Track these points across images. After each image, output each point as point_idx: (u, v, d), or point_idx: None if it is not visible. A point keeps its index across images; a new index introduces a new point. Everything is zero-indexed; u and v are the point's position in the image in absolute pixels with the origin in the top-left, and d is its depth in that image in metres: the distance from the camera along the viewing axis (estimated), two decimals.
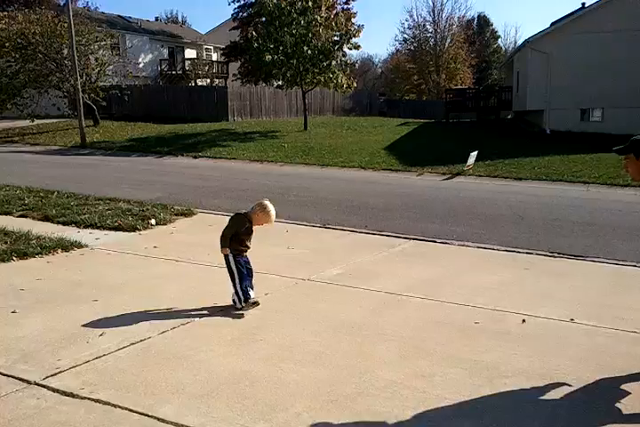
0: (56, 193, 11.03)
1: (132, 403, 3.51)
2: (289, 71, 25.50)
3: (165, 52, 43.54)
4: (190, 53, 45.50)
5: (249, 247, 5.27)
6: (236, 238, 5.14)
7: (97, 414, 3.39)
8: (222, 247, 5.12)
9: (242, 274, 5.14)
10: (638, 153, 3.78)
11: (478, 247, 7.96)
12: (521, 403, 3.65)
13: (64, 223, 8.65)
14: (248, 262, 5.27)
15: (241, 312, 5.10)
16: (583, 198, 12.74)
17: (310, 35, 24.66)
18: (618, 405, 3.63)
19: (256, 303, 5.12)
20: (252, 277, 5.27)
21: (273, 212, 5.17)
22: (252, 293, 5.17)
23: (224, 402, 3.55)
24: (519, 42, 48.57)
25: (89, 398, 3.56)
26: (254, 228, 5.25)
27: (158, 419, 3.35)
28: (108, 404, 3.50)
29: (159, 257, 6.96)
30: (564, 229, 9.30)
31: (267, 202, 5.22)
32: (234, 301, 5.16)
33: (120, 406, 3.47)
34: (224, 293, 5.52)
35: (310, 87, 27.28)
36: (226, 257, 5.17)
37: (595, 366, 4.15)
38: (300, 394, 3.67)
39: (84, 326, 4.73)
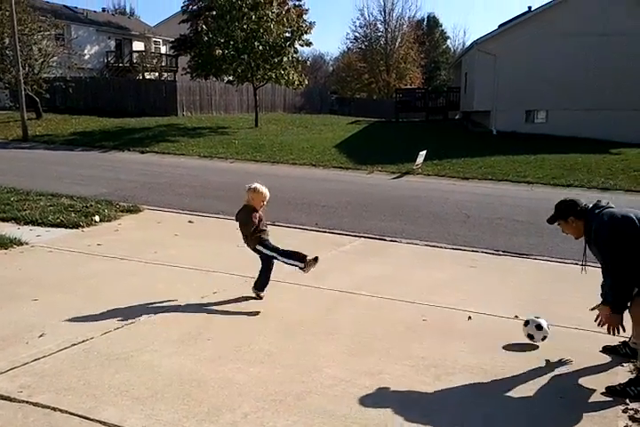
0: None
1: (72, 406, 3.40)
2: (240, 67, 25.24)
3: (112, 43, 42.49)
4: (138, 46, 44.49)
5: (265, 229, 5.44)
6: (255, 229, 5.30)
7: (35, 419, 3.27)
8: (267, 249, 5.33)
9: (278, 251, 5.33)
10: (564, 216, 4.19)
11: (426, 245, 8.07)
12: (467, 399, 3.70)
13: (3, 219, 8.35)
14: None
15: (187, 311, 5.02)
16: (527, 198, 13.05)
17: (261, 30, 24.44)
18: (561, 400, 3.73)
19: (316, 259, 5.35)
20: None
21: (259, 186, 5.33)
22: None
23: (169, 404, 3.48)
24: (468, 43, 49.47)
25: (27, 402, 3.43)
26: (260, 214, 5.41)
27: (100, 422, 3.25)
28: (48, 407, 3.38)
29: (103, 255, 6.78)
30: (509, 227, 9.50)
31: (254, 184, 5.38)
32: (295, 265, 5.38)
33: (60, 410, 3.36)
34: (170, 291, 5.43)
35: (261, 83, 27.09)
36: (257, 251, 5.36)
37: (539, 363, 4.25)
38: (247, 394, 3.63)
39: (22, 326, 4.56)
